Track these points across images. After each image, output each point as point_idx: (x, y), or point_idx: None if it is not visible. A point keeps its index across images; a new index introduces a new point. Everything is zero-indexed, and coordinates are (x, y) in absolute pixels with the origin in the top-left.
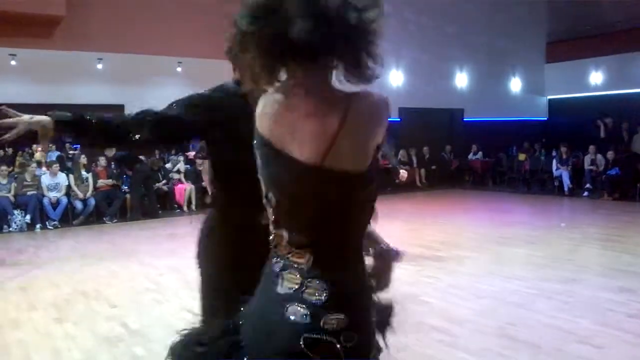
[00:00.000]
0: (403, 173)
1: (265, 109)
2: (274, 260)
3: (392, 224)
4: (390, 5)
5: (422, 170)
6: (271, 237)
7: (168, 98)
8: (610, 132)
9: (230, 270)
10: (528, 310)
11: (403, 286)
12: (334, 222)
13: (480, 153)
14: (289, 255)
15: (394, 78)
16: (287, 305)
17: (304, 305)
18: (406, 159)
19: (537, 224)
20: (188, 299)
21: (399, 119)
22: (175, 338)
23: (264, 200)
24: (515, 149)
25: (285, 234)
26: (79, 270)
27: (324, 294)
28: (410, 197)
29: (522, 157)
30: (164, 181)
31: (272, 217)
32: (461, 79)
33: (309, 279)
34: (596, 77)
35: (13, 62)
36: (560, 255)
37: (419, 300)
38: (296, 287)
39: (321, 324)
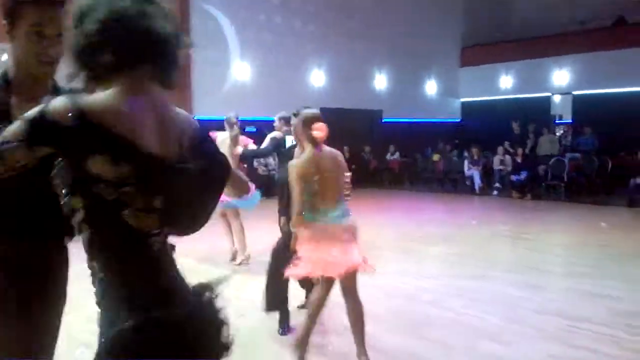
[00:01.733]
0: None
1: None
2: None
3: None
4: (313, 6)
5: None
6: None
7: None
8: (518, 134)
9: None
10: (440, 309)
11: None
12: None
13: (397, 153)
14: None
15: (316, 78)
16: None
17: None
18: None
19: (450, 222)
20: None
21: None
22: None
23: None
24: (430, 150)
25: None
26: None
27: None
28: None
29: (436, 157)
30: None
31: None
32: (380, 81)
33: None
34: (506, 81)
35: None
36: (471, 252)
37: (332, 300)
38: None
39: None
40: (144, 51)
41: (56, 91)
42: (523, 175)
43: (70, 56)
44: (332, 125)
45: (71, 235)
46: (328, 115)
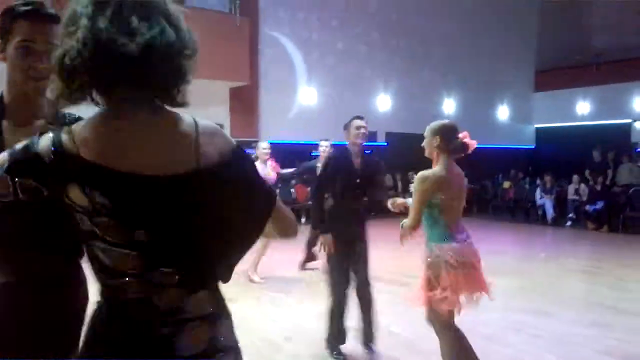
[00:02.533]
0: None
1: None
2: None
3: (375, 249)
4: (379, 31)
5: (407, 196)
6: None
7: None
8: (597, 163)
9: None
10: (497, 344)
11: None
12: None
13: (466, 180)
14: None
15: (382, 103)
16: None
17: None
18: (391, 184)
19: (517, 253)
20: None
21: (385, 143)
22: None
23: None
24: (500, 177)
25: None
26: None
27: None
28: (395, 222)
29: (506, 185)
30: None
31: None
32: (449, 105)
33: None
34: (583, 107)
35: None
36: (536, 286)
37: (388, 331)
38: None
39: None
40: (122, 72)
41: (58, 118)
42: (599, 205)
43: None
44: (399, 150)
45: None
46: (394, 139)
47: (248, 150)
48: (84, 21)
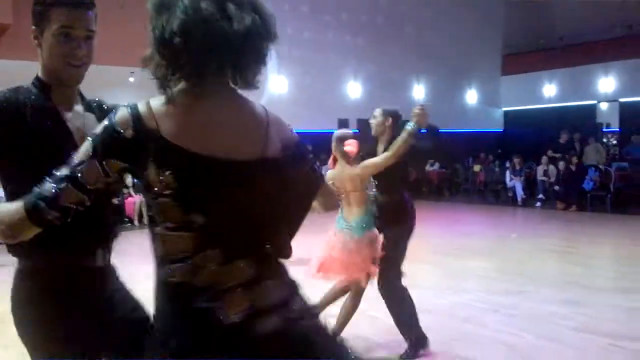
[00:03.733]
0: None
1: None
2: None
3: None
4: (348, 19)
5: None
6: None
7: None
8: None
9: None
10: (474, 325)
11: None
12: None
13: (437, 164)
14: None
15: (352, 90)
16: None
17: None
18: None
19: (489, 235)
20: None
21: (357, 130)
22: None
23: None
24: (471, 160)
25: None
26: None
27: None
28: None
29: (477, 168)
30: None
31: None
32: (418, 91)
33: None
34: (550, 90)
35: None
36: (509, 267)
37: (367, 316)
38: None
39: None
40: (221, 54)
41: (83, 101)
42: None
43: (150, 41)
44: (369, 136)
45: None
46: (365, 126)
47: None
48: (183, 2)
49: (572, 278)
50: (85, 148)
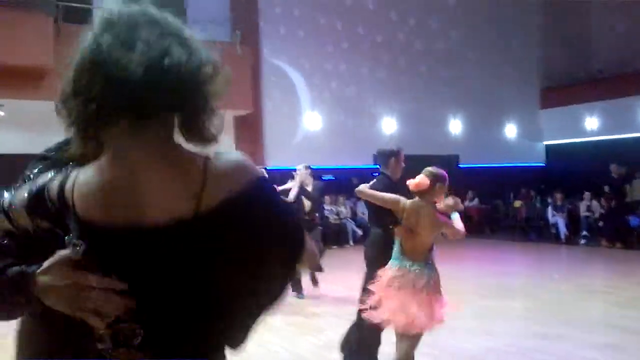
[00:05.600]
0: None
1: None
2: None
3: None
4: (383, 54)
5: None
6: None
7: None
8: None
9: None
10: None
11: None
12: None
13: (476, 200)
14: None
15: (387, 126)
16: None
17: None
18: None
19: (529, 274)
20: None
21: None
22: None
23: None
24: (512, 196)
25: None
26: None
27: None
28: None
29: (517, 204)
30: None
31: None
32: (455, 125)
33: None
34: (591, 123)
35: (1, 113)
36: (547, 308)
37: None
38: None
39: None
40: (121, 96)
41: None
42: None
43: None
44: (405, 172)
45: None
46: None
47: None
48: (86, 42)
49: (614, 321)
50: (22, 194)
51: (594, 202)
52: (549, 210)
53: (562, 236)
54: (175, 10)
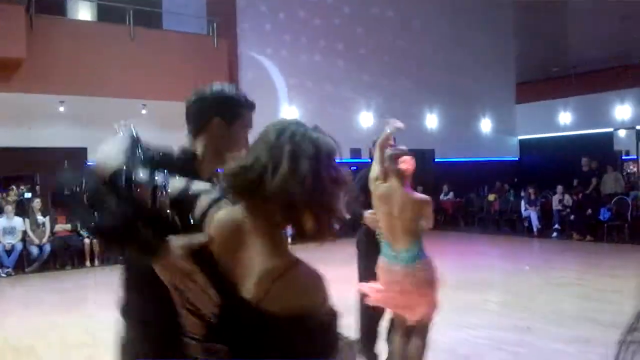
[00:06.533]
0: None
1: None
2: None
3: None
4: (360, 49)
5: None
6: None
7: None
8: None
9: None
10: None
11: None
12: None
13: (451, 193)
14: None
15: (364, 120)
16: None
17: None
18: None
19: (501, 267)
20: None
21: (369, 160)
22: None
23: None
24: (486, 189)
25: None
26: (19, 322)
27: None
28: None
29: (491, 197)
30: None
31: None
32: (431, 120)
33: None
34: (565, 117)
35: None
36: (518, 301)
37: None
38: None
39: None
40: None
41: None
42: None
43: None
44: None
45: None
46: None
47: None
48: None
49: (583, 313)
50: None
51: (566, 196)
52: (522, 203)
53: (535, 229)
54: (150, 2)
